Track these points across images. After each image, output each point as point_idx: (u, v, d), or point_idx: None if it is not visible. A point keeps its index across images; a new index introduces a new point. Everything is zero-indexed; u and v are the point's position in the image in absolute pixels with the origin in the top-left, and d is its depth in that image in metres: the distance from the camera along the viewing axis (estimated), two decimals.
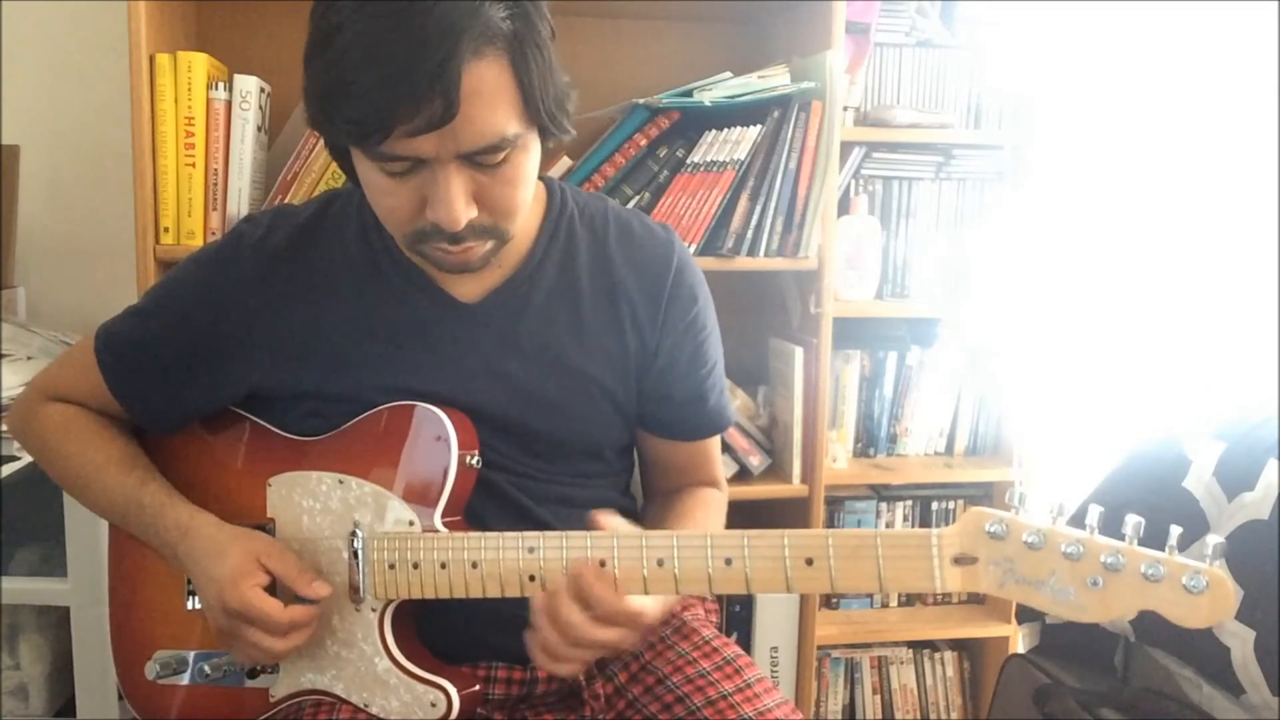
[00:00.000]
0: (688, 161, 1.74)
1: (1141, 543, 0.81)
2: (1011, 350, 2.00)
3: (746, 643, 1.93)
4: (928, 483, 2.05)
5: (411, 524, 1.00)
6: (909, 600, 2.14)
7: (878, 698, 2.12)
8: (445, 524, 1.01)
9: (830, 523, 2.03)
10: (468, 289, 1.09)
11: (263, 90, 1.66)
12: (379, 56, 0.86)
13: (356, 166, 0.98)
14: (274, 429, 1.11)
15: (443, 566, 0.98)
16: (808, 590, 0.97)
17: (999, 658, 1.89)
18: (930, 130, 1.93)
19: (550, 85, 0.95)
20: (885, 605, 2.13)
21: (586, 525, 0.96)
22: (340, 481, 1.04)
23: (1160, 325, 1.88)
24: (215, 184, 1.62)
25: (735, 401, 1.87)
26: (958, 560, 0.86)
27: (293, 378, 1.08)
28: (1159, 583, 0.79)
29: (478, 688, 1.03)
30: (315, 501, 1.05)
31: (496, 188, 0.96)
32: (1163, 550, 0.80)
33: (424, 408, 1.03)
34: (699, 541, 0.92)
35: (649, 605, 0.95)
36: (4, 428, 1.46)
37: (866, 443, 2.05)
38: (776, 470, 1.90)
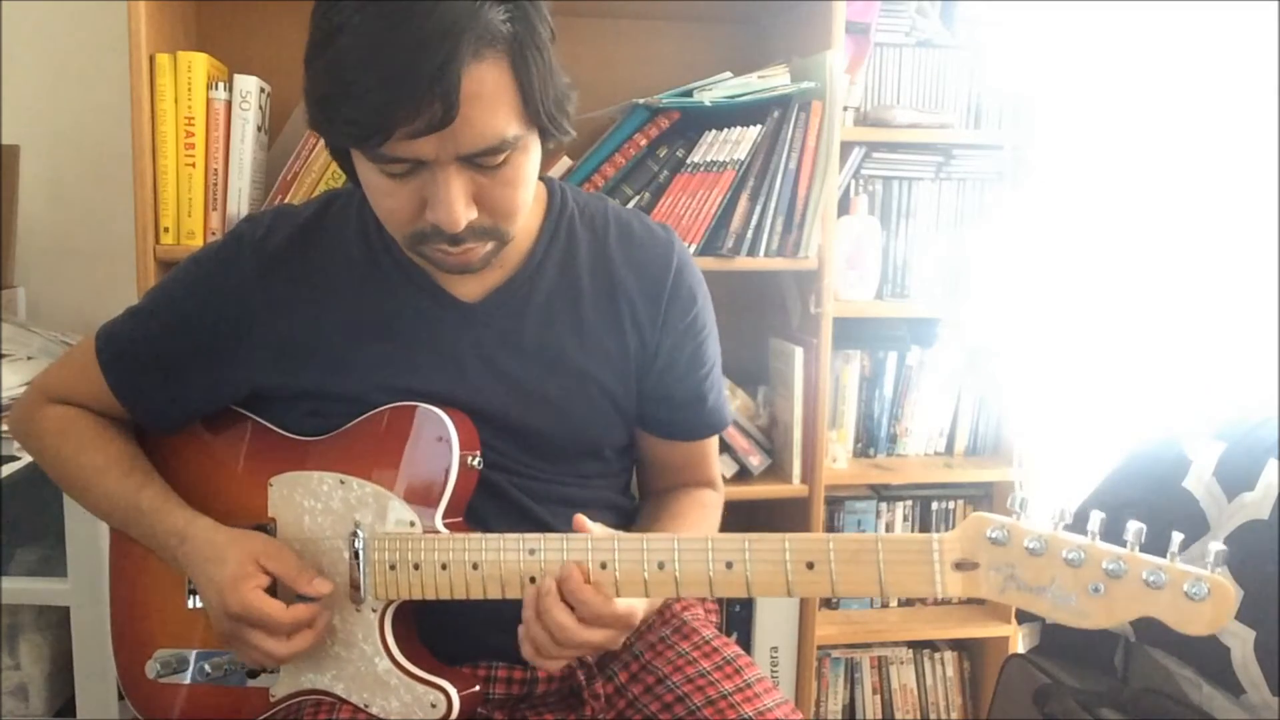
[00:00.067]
0: (688, 161, 1.74)
1: (1142, 546, 0.81)
2: (1011, 350, 2.00)
3: (746, 643, 1.93)
4: (928, 483, 2.05)
5: (413, 525, 1.00)
6: (909, 600, 2.14)
7: (878, 698, 2.12)
8: (446, 525, 1.01)
9: (830, 523, 2.03)
10: (468, 289, 1.09)
11: (263, 90, 1.66)
12: (379, 58, 0.86)
13: (357, 167, 0.98)
14: (275, 429, 1.12)
15: (443, 567, 0.98)
16: (808, 594, 0.97)
17: (999, 658, 1.89)
18: (930, 130, 1.93)
19: (550, 87, 0.95)
20: (885, 605, 2.13)
21: (572, 527, 0.97)
22: (342, 482, 1.04)
23: (1160, 325, 1.88)
24: (215, 184, 1.62)
25: (735, 401, 1.87)
26: (959, 565, 0.86)
27: (293, 377, 1.08)
28: (1160, 589, 0.79)
29: (478, 688, 1.03)
30: (316, 501, 1.05)
31: (496, 189, 0.96)
32: (1164, 555, 0.80)
33: (425, 408, 1.03)
34: (700, 544, 0.92)
35: (637, 605, 0.95)
36: (4, 428, 1.46)
37: (866, 443, 2.05)
38: (776, 470, 1.90)
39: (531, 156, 0.98)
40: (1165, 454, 1.46)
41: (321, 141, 1.63)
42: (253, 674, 1.07)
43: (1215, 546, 0.79)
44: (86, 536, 1.55)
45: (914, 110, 1.93)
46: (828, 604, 2.10)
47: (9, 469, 1.50)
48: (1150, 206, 1.88)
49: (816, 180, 1.75)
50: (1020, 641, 1.86)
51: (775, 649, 1.94)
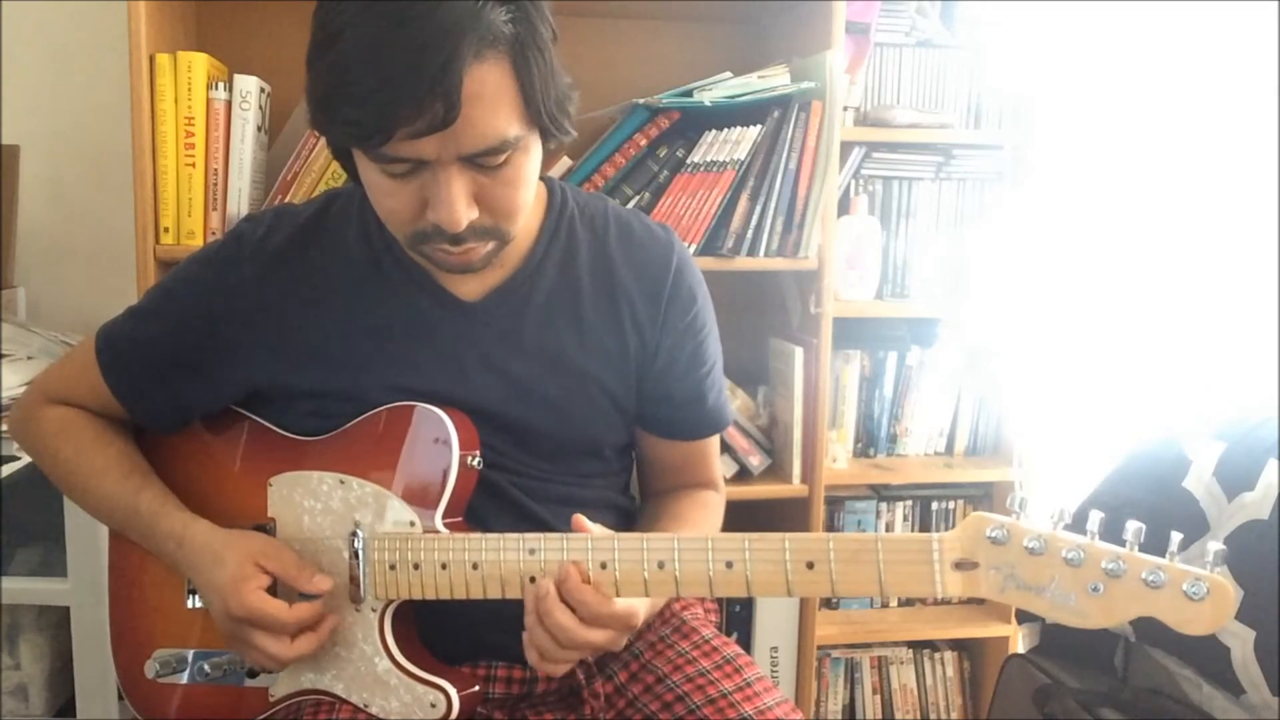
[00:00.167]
0: (688, 161, 1.74)
1: (1142, 545, 0.81)
2: (1011, 350, 2.00)
3: (746, 642, 1.93)
4: (928, 483, 2.05)
5: (412, 524, 1.00)
6: (909, 600, 2.14)
7: (878, 698, 2.12)
8: (446, 524, 1.01)
9: (830, 523, 2.03)
10: (469, 288, 1.09)
11: (263, 90, 1.66)
12: (381, 59, 0.86)
13: (358, 167, 0.98)
14: (275, 429, 1.12)
15: (443, 567, 0.98)
16: (808, 594, 0.97)
17: (999, 658, 1.89)
18: (930, 130, 1.93)
19: (551, 87, 0.95)
20: (885, 605, 2.13)
21: (571, 527, 0.97)
22: (341, 482, 1.04)
23: (1160, 325, 1.88)
24: (215, 184, 1.62)
25: (735, 401, 1.87)
26: (958, 565, 0.86)
27: (294, 377, 1.08)
28: (1160, 589, 0.79)
29: (477, 688, 1.03)
30: (316, 501, 1.05)
31: (497, 189, 0.96)
32: (1163, 555, 0.80)
33: (425, 408, 1.03)
34: (700, 544, 0.92)
35: (638, 606, 0.95)
36: (4, 428, 1.46)
37: (866, 443, 2.05)
38: (776, 470, 1.90)
39: (532, 157, 0.98)
40: (1165, 454, 1.46)
41: (321, 141, 1.63)
42: (252, 674, 1.07)
43: (1214, 546, 0.79)
44: (86, 536, 1.55)
45: (914, 110, 1.93)
46: (828, 604, 2.10)
47: (9, 469, 1.50)
48: (1150, 207, 1.88)
49: (816, 180, 1.75)
50: (1020, 641, 1.86)
51: (775, 649, 1.94)
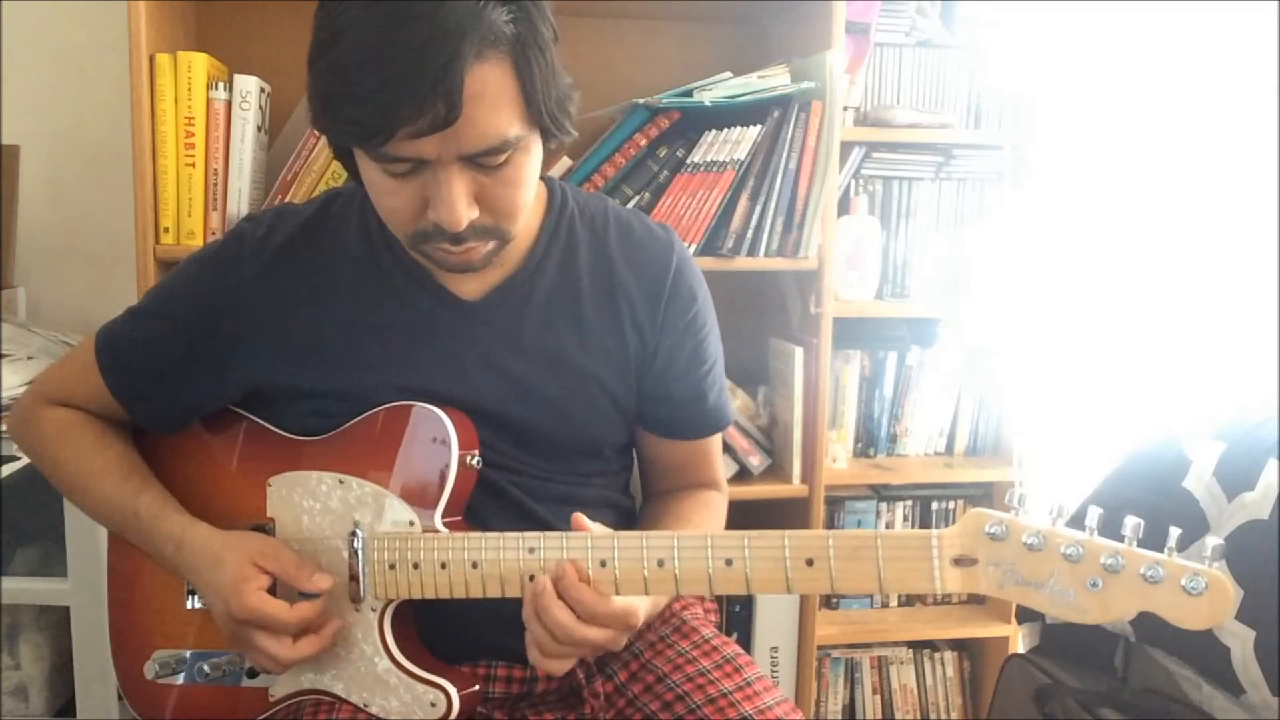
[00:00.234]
0: (688, 161, 1.74)
1: (1141, 543, 0.81)
2: (1011, 350, 2.00)
3: (746, 642, 1.93)
4: (928, 483, 2.05)
5: (412, 524, 1.00)
6: (909, 600, 2.14)
7: (878, 698, 2.12)
8: (445, 524, 1.01)
9: (830, 523, 2.03)
10: (469, 287, 1.09)
11: (263, 90, 1.66)
12: (382, 59, 0.86)
13: (359, 166, 0.99)
14: (274, 429, 1.12)
15: (443, 566, 0.98)
16: (808, 591, 0.97)
17: (999, 658, 1.89)
18: (930, 130, 1.93)
19: (552, 87, 0.95)
20: (885, 605, 2.13)
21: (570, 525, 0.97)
22: (340, 481, 1.04)
23: (1160, 325, 1.88)
24: (215, 184, 1.62)
25: (735, 401, 1.87)
26: (958, 561, 0.86)
27: (294, 376, 1.09)
28: (1158, 584, 0.79)
29: (477, 687, 1.03)
30: (315, 501, 1.05)
31: (498, 189, 0.96)
32: (1162, 551, 0.80)
33: (423, 407, 1.04)
34: (699, 542, 0.92)
35: (637, 604, 0.95)
36: (4, 428, 1.46)
37: (866, 443, 2.05)
38: (776, 470, 1.90)
39: (533, 156, 0.98)
40: (1165, 454, 1.46)
41: (322, 141, 1.64)
42: (251, 674, 1.07)
43: (1212, 541, 0.79)
44: (86, 536, 1.55)
45: (914, 110, 1.93)
46: (828, 604, 2.10)
47: (9, 469, 1.51)
48: (1150, 206, 1.88)
49: (816, 180, 1.75)
50: (1020, 641, 1.86)
51: (775, 649, 1.94)
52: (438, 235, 0.97)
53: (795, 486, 1.85)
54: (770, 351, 1.95)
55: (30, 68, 1.93)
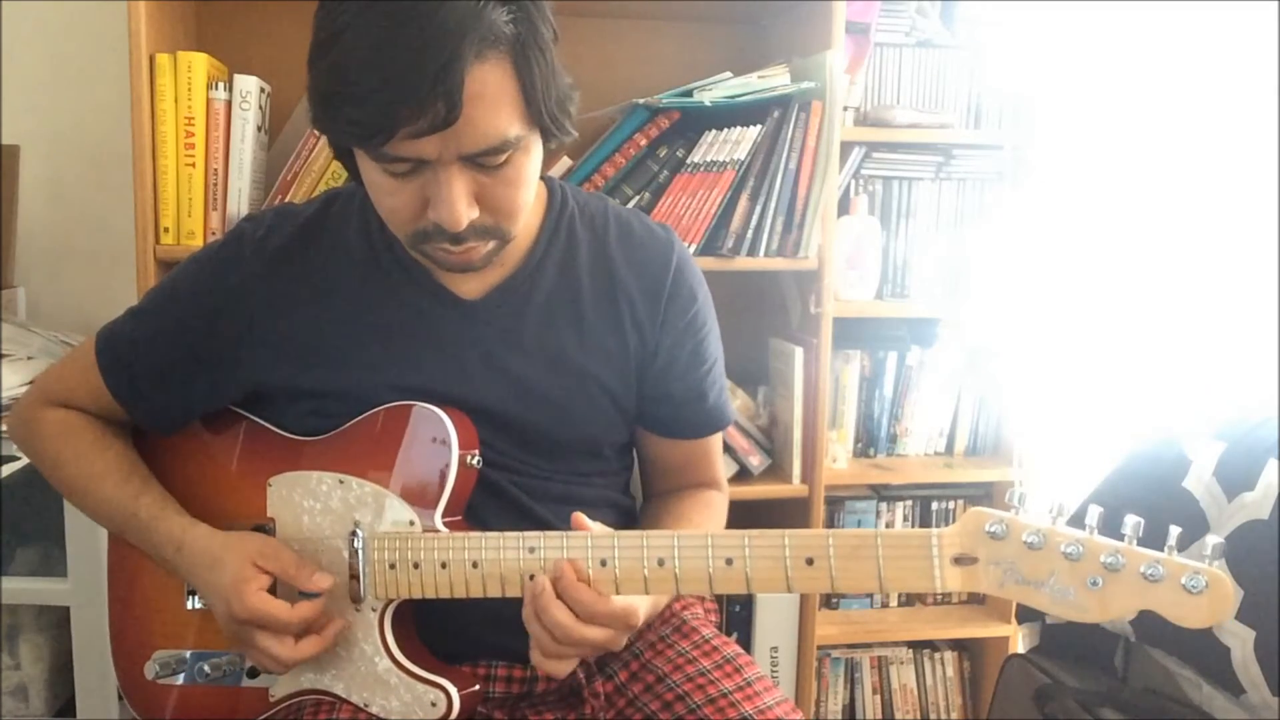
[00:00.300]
0: (688, 161, 1.74)
1: (1141, 543, 0.81)
2: (1011, 350, 2.00)
3: (746, 642, 1.93)
4: (928, 483, 2.05)
5: (412, 524, 1.00)
6: (909, 600, 2.14)
7: (878, 698, 2.12)
8: (446, 523, 1.01)
9: (830, 523, 2.03)
10: (469, 286, 1.09)
11: (263, 90, 1.66)
12: (382, 59, 0.86)
13: (360, 166, 0.99)
14: (274, 429, 1.12)
15: (443, 566, 0.98)
16: (808, 590, 0.97)
17: (999, 658, 1.89)
18: (930, 130, 1.93)
19: (552, 87, 0.95)
20: (885, 605, 2.13)
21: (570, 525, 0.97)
22: (341, 481, 1.04)
23: (1160, 325, 1.88)
24: (215, 184, 1.62)
25: (735, 401, 1.87)
26: (958, 560, 0.86)
27: (294, 376, 1.08)
28: (1158, 583, 0.79)
29: (478, 687, 1.03)
30: (316, 501, 1.05)
31: (498, 189, 0.96)
32: (1162, 550, 0.80)
33: (423, 407, 1.03)
34: (700, 541, 0.92)
35: (637, 604, 0.95)
36: (4, 428, 1.46)
37: (866, 443, 2.05)
38: (776, 470, 1.90)
39: (533, 156, 0.98)
40: (1165, 454, 1.46)
41: (322, 141, 1.64)
42: (252, 674, 1.07)
43: (1212, 539, 0.79)
44: (86, 536, 1.55)
45: (914, 110, 1.93)
46: (828, 604, 2.10)
47: (9, 469, 1.51)
48: (1150, 206, 1.88)
49: (816, 180, 1.75)
50: (1020, 641, 1.86)
51: (775, 649, 1.94)
52: (438, 235, 0.97)
53: (795, 486, 1.85)
54: (770, 351, 1.95)
55: (30, 68, 1.93)
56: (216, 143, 1.61)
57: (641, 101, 1.74)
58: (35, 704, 1.76)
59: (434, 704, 0.99)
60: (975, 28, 1.99)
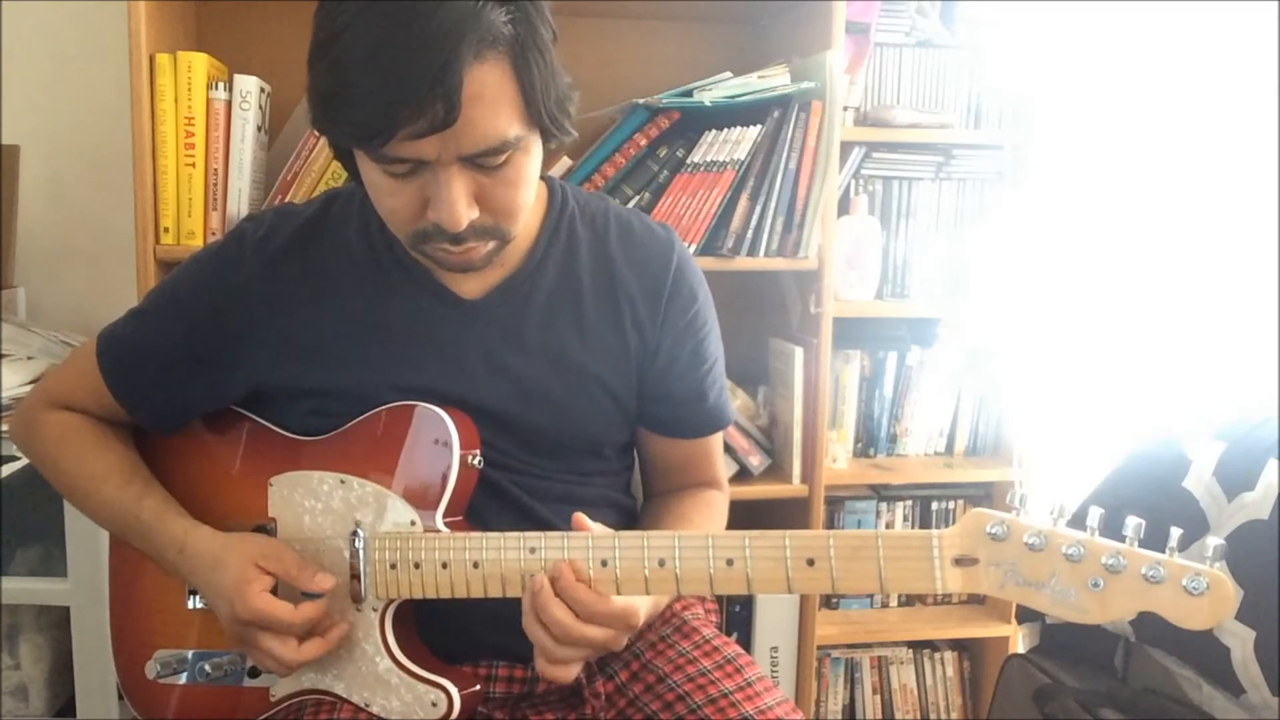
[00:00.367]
0: (688, 161, 1.74)
1: (1142, 543, 0.81)
2: (1011, 350, 2.00)
3: (746, 642, 1.93)
4: (928, 483, 2.05)
5: (413, 524, 1.00)
6: (909, 600, 2.14)
7: (878, 698, 2.12)
8: (447, 523, 1.01)
9: (830, 523, 2.03)
10: (470, 286, 1.09)
11: (263, 90, 1.66)
12: (382, 60, 0.86)
13: (359, 167, 0.99)
14: (275, 428, 1.12)
15: (444, 566, 0.98)
16: (809, 591, 0.97)
17: (999, 658, 1.89)
18: (930, 130, 1.93)
19: (552, 88, 0.95)
20: (885, 605, 2.13)
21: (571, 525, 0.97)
22: (342, 481, 1.04)
23: (1160, 325, 1.88)
24: (215, 184, 1.62)
25: (735, 401, 1.87)
26: (959, 561, 0.86)
27: (295, 376, 1.09)
28: (1159, 584, 0.79)
29: (478, 687, 1.03)
30: (317, 501, 1.05)
31: (498, 189, 0.96)
32: (1163, 551, 0.80)
33: (425, 408, 1.04)
34: (700, 542, 0.92)
35: (638, 604, 0.95)
36: (4, 428, 1.46)
37: (866, 443, 2.05)
38: (776, 470, 1.90)
39: (533, 157, 0.98)
40: (1165, 454, 1.46)
41: (322, 141, 1.64)
42: (253, 673, 1.07)
43: (1214, 541, 0.79)
44: (86, 537, 1.55)
45: (914, 110, 1.93)
46: (828, 604, 2.10)
47: (9, 469, 1.51)
48: (1150, 206, 1.88)
49: (816, 180, 1.75)
50: (1020, 641, 1.86)
51: (775, 649, 1.94)
52: (438, 235, 0.97)
53: (795, 486, 1.85)
54: (770, 351, 1.95)
55: (30, 68, 1.93)
56: (216, 143, 1.61)
57: (641, 101, 1.74)
58: (35, 704, 1.76)
59: (435, 704, 0.99)
60: (975, 28, 1.99)
